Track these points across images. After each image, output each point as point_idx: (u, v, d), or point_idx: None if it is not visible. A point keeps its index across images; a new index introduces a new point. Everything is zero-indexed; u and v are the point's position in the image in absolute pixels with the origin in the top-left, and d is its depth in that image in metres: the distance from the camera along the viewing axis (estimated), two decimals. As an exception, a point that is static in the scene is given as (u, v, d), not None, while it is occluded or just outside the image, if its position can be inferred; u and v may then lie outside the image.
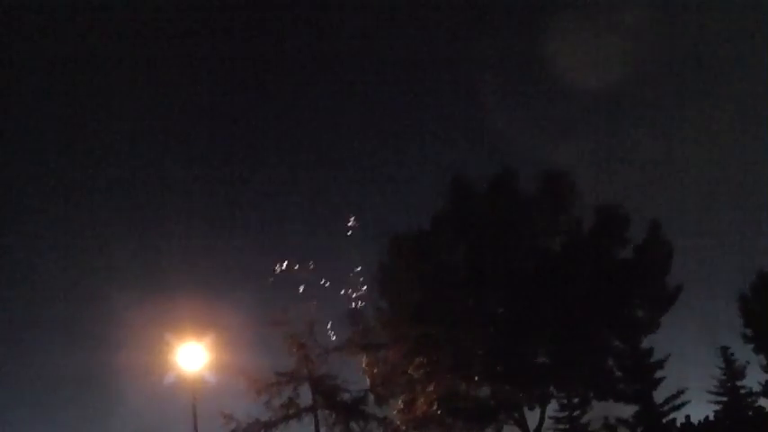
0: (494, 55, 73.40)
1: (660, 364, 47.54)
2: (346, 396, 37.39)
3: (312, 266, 37.41)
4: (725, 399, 53.49)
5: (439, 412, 41.16)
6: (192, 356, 32.68)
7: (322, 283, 37.61)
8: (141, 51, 67.85)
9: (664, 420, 48.03)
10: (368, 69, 79.21)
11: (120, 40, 69.52)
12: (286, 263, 37.23)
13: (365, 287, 40.29)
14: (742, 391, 53.54)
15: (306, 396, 36.97)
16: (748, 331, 52.80)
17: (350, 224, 39.51)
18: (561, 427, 50.86)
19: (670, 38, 69.49)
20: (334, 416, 37.09)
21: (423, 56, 75.06)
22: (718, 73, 72.33)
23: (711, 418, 51.56)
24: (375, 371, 40.67)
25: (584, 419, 50.06)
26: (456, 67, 77.32)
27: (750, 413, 51.88)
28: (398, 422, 40.15)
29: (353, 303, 40.02)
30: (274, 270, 37.19)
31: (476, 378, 41.76)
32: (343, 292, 39.21)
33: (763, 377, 52.71)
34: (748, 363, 53.35)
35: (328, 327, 38.14)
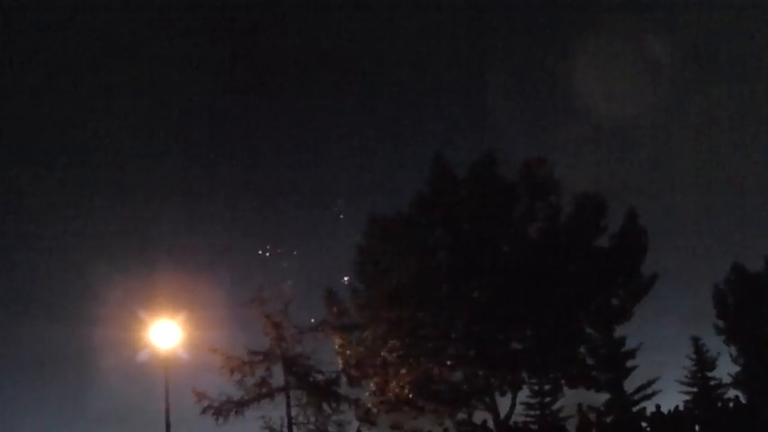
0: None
1: (632, 354, 47.76)
2: (319, 377, 37.12)
3: (296, 253, 37.34)
4: (695, 389, 53.93)
5: (411, 396, 41.25)
6: (166, 334, 32.56)
7: (294, 254, 37.51)
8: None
9: (634, 409, 48.23)
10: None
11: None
12: (269, 248, 37.13)
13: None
14: (712, 383, 54.02)
15: (279, 376, 36.71)
16: (720, 323, 53.31)
17: (336, 208, 39.49)
18: (532, 413, 51.08)
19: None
20: (306, 396, 36.92)
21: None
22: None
23: (681, 408, 51.93)
24: (348, 353, 40.74)
25: (556, 406, 50.43)
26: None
27: (719, 404, 52.31)
28: (370, 404, 40.06)
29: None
30: (259, 253, 37.07)
31: (449, 362, 41.81)
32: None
33: (733, 369, 53.28)
34: (719, 354, 53.88)
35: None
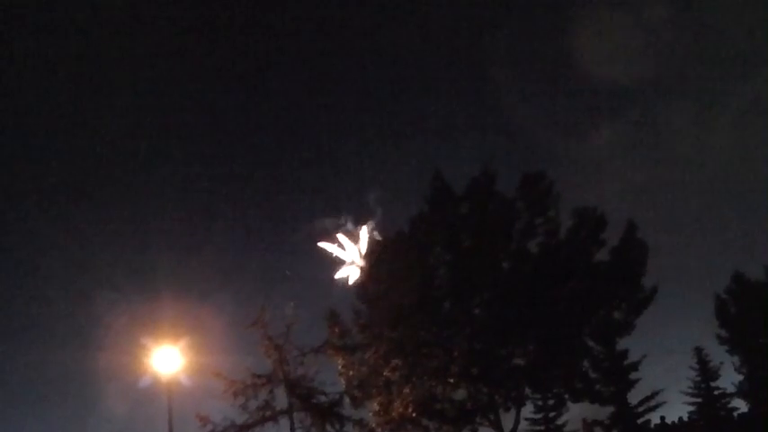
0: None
1: (635, 366, 47.70)
2: (322, 398, 37.03)
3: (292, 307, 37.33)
4: (699, 400, 53.84)
5: (415, 415, 41.08)
6: (168, 359, 32.53)
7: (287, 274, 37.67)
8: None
9: (639, 421, 48.25)
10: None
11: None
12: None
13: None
14: (716, 392, 53.91)
15: (282, 398, 36.64)
16: (723, 332, 53.22)
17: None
18: (536, 428, 51.05)
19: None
20: (310, 418, 36.83)
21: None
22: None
23: (686, 418, 51.89)
24: (351, 373, 40.65)
25: (560, 421, 50.35)
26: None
27: (723, 414, 52.26)
28: (374, 424, 39.99)
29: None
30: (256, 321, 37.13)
31: (452, 380, 41.70)
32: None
33: (736, 378, 53.18)
34: (722, 364, 53.81)
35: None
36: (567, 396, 46.05)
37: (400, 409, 40.49)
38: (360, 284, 43.22)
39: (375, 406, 40.96)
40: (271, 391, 36.65)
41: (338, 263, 50.88)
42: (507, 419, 42.60)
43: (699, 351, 54.44)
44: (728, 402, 53.64)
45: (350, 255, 51.74)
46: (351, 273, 49.11)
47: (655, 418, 49.16)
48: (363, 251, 46.27)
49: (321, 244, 50.66)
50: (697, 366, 54.40)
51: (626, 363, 47.75)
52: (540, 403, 49.48)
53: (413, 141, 79.29)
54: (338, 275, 49.84)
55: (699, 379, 54.33)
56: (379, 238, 46.52)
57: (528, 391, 44.00)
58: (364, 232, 49.78)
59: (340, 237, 50.98)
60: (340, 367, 40.43)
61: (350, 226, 49.10)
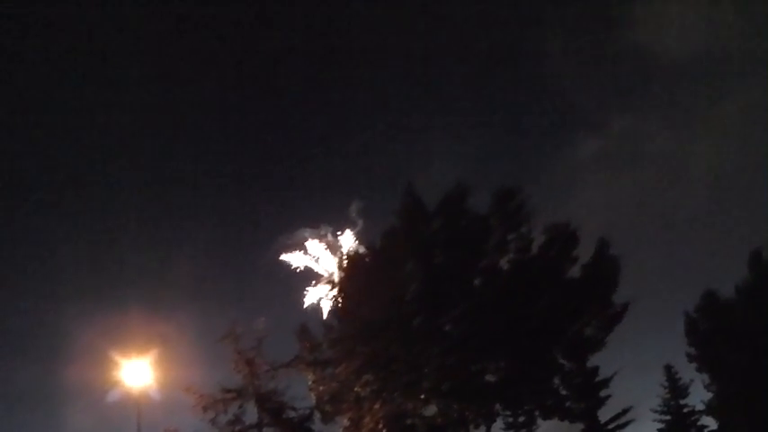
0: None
1: (606, 383, 47.75)
2: (292, 414, 37.16)
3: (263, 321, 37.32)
4: (669, 417, 54.12)
5: (385, 430, 40.95)
6: (138, 373, 32.37)
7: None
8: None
9: (608, 438, 48.33)
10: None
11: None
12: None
13: None
14: (685, 410, 54.23)
15: (252, 413, 36.67)
16: (692, 350, 53.51)
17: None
18: (507, 445, 50.97)
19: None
20: (280, 433, 36.77)
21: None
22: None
23: (655, 436, 52.18)
24: (322, 388, 40.56)
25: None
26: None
27: (693, 431, 52.55)
28: (345, 440, 39.85)
29: None
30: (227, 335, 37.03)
31: (422, 396, 41.64)
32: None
33: (706, 396, 53.47)
34: (692, 381, 54.14)
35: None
36: (537, 413, 46.05)
37: (371, 425, 40.36)
38: (332, 299, 43.02)
39: (345, 421, 40.88)
40: (241, 406, 36.70)
41: (310, 276, 49.90)
42: (478, 436, 42.67)
43: (669, 369, 54.84)
44: (698, 420, 54.01)
45: (325, 266, 50.75)
46: (322, 295, 48.05)
47: (625, 436, 49.33)
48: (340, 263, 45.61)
49: (287, 257, 49.23)
50: (667, 384, 54.75)
51: (597, 379, 47.78)
52: (510, 420, 49.30)
53: (392, 152, 79.18)
54: (309, 299, 48.72)
55: (669, 396, 54.69)
56: (361, 249, 46.10)
57: (498, 407, 43.87)
58: (345, 242, 48.92)
59: (314, 248, 50.00)
60: (310, 382, 40.34)
61: (330, 237, 48.32)
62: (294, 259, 50.25)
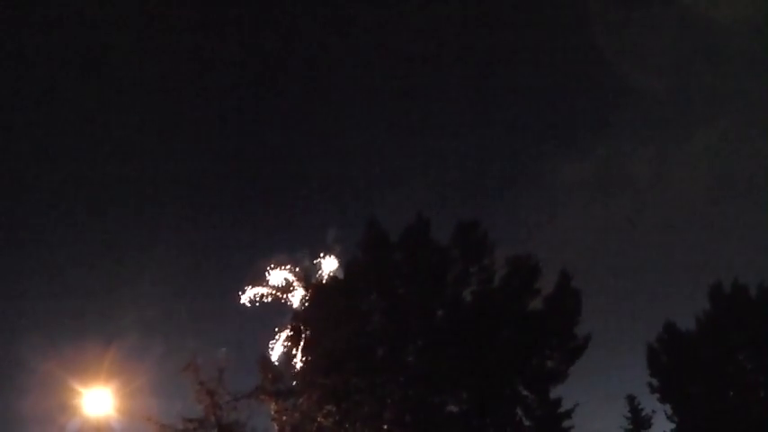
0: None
1: (569, 414, 48.03)
2: (256, 445, 37.03)
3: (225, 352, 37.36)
4: (631, 448, 54.46)
5: (347, 461, 40.98)
6: (98, 402, 32.27)
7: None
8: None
9: (572, 469, 48.54)
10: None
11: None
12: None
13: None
14: (648, 441, 54.60)
15: (214, 444, 36.51)
16: (654, 381, 53.96)
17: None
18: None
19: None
20: (242, 464, 36.68)
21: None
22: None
23: (618, 466, 52.43)
24: (284, 418, 40.33)
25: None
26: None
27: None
28: (307, 471, 39.72)
29: None
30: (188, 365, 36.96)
31: (385, 427, 41.68)
32: None
33: (668, 426, 53.86)
34: (654, 412, 54.52)
35: None
36: (500, 444, 46.26)
37: (333, 456, 40.35)
38: (293, 328, 43.00)
39: (308, 453, 40.73)
40: (203, 436, 36.54)
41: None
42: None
43: (631, 399, 55.20)
44: (660, 451, 54.35)
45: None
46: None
47: (588, 467, 49.65)
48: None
49: (251, 291, 47.68)
50: (629, 414, 55.09)
51: (559, 411, 48.07)
52: (474, 451, 49.52)
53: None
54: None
55: (631, 427, 54.98)
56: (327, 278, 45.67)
57: (462, 439, 43.97)
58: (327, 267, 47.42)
59: (279, 278, 48.47)
60: (273, 413, 40.12)
61: (306, 262, 47.29)
62: (259, 292, 49.02)
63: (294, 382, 41.33)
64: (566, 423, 47.83)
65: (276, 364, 42.15)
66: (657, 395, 54.00)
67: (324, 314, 41.35)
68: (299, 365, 42.27)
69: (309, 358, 41.58)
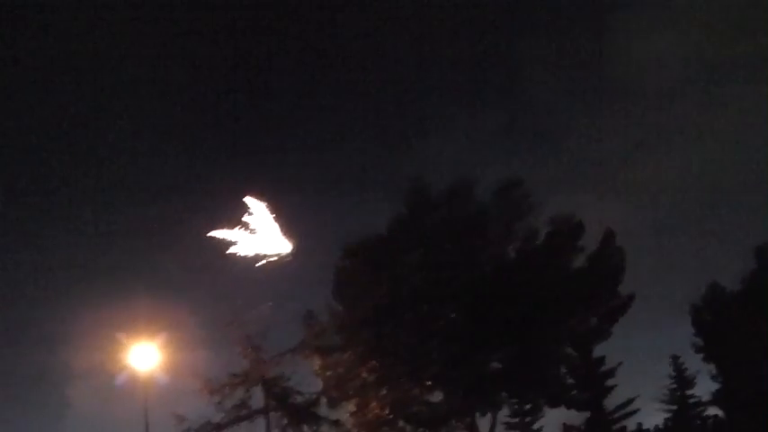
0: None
1: (611, 373, 48.20)
2: (299, 399, 37.38)
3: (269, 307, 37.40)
4: (675, 407, 54.30)
5: (391, 416, 41.29)
6: (145, 356, 32.62)
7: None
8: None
9: (614, 428, 48.62)
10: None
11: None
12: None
13: None
14: (691, 401, 54.42)
15: (258, 398, 36.90)
16: (698, 341, 53.65)
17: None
18: (512, 432, 51.38)
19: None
20: (286, 418, 37.05)
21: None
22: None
23: (661, 426, 52.35)
24: (328, 374, 40.72)
25: (536, 426, 50.69)
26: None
27: (699, 422, 52.69)
28: (351, 425, 40.07)
29: None
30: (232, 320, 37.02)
31: (429, 383, 41.96)
32: None
33: (712, 386, 53.62)
34: (698, 372, 54.29)
35: None
36: (543, 401, 46.40)
37: (376, 411, 40.59)
38: (336, 285, 43.08)
39: (351, 407, 40.99)
40: (247, 391, 36.92)
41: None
42: (484, 423, 42.98)
43: (675, 359, 55.08)
44: (704, 410, 54.22)
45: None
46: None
47: (631, 425, 49.64)
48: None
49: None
50: (673, 374, 54.95)
51: (602, 369, 48.21)
52: (516, 408, 49.75)
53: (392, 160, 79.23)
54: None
55: (675, 387, 54.89)
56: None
57: (504, 395, 44.12)
58: None
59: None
60: (317, 368, 40.48)
61: None
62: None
63: (338, 338, 41.47)
64: (609, 381, 48.11)
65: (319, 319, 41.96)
66: (702, 355, 53.71)
67: (367, 270, 41.39)
68: (342, 321, 42.35)
69: (353, 314, 41.69)
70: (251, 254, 35.40)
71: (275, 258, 35.39)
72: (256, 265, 35.97)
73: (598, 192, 67.56)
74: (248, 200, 36.71)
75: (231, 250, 36.17)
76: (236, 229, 35.83)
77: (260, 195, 36.59)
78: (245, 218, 36.36)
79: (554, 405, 45.82)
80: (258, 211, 36.55)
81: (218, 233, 35.92)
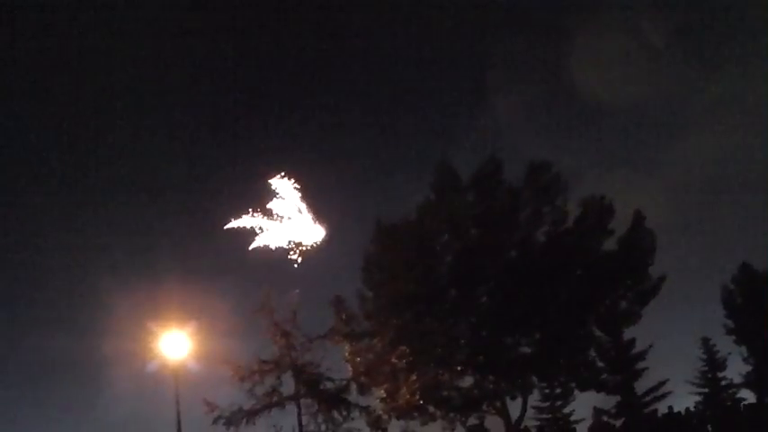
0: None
1: (642, 355, 47.96)
2: (329, 385, 37.22)
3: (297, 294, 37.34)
4: (706, 390, 53.91)
5: (422, 401, 41.21)
6: (176, 344, 32.68)
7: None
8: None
9: (645, 411, 48.37)
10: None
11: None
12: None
13: None
14: (723, 383, 54.02)
15: (289, 384, 36.85)
16: (730, 323, 53.20)
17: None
18: (543, 416, 51.29)
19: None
20: (316, 404, 37.00)
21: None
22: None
23: (692, 408, 51.94)
24: (358, 360, 40.56)
25: (567, 410, 50.54)
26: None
27: (730, 404, 52.26)
28: (381, 411, 39.91)
29: None
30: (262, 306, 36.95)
31: (459, 368, 41.86)
32: None
33: (744, 368, 53.17)
34: (729, 354, 53.83)
35: None
36: (573, 385, 46.17)
37: (407, 396, 40.46)
38: (365, 270, 42.98)
39: (382, 393, 40.89)
40: (278, 377, 36.89)
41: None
42: (514, 407, 42.78)
43: (706, 341, 54.59)
44: (735, 393, 53.74)
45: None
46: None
47: (662, 408, 49.25)
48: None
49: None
50: (704, 356, 54.54)
51: (632, 352, 47.97)
52: (546, 391, 49.66)
53: (418, 144, 78.84)
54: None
55: (706, 369, 54.49)
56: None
57: (534, 379, 43.94)
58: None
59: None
60: (346, 354, 40.29)
61: None
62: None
63: (367, 324, 41.39)
64: (639, 364, 47.89)
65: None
66: (733, 337, 53.26)
67: (396, 255, 41.24)
68: (371, 307, 42.29)
69: (382, 299, 41.62)
70: (282, 243, 35.53)
71: (307, 248, 35.41)
72: (288, 256, 36.16)
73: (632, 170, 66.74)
74: (275, 181, 36.73)
75: (260, 239, 36.34)
76: (262, 217, 36.00)
77: (288, 176, 36.71)
78: (272, 203, 36.64)
79: (584, 389, 45.42)
80: (286, 193, 36.65)
81: (242, 221, 36.10)
